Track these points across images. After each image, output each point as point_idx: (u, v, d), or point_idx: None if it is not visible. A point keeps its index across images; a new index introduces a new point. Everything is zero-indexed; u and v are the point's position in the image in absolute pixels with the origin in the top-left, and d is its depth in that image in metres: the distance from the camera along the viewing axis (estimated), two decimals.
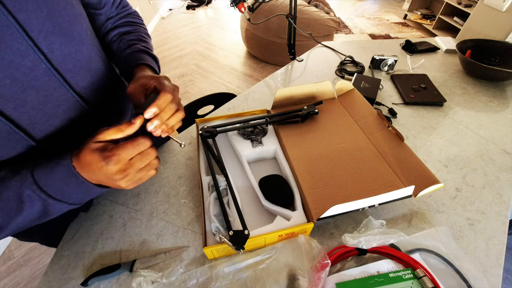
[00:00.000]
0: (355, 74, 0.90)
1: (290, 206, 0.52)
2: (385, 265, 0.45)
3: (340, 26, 3.46)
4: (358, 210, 0.49)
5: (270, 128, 0.66)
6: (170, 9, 4.01)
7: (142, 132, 0.38)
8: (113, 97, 0.52)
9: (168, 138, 0.42)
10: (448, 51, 1.12)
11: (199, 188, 0.55)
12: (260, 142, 0.62)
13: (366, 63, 1.02)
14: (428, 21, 3.41)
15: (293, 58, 1.09)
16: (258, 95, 0.89)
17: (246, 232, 0.44)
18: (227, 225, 0.45)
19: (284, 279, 0.44)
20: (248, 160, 0.60)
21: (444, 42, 1.15)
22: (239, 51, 2.89)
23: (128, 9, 0.57)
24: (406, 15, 3.69)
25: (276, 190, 0.54)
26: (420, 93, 0.85)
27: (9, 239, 1.36)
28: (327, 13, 2.34)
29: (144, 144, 0.36)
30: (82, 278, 0.46)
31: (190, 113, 0.96)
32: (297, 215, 0.48)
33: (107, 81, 0.48)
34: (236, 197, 0.50)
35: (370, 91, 0.82)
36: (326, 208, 0.45)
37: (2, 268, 1.26)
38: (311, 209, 0.48)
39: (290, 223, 0.47)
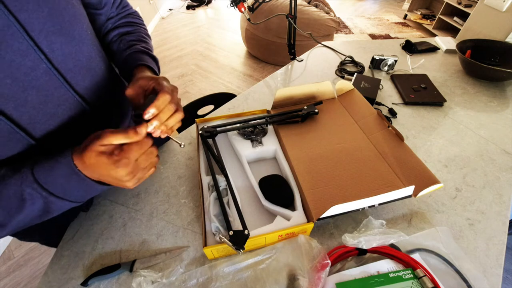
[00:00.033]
0: (355, 74, 0.90)
1: (290, 206, 0.52)
2: (385, 265, 0.45)
3: (340, 26, 3.46)
4: (358, 210, 0.49)
5: (270, 128, 0.66)
6: (170, 9, 4.01)
7: None
8: (113, 97, 0.52)
9: (167, 138, 0.42)
10: (448, 51, 1.12)
11: (199, 188, 0.55)
12: (260, 142, 0.62)
13: (366, 63, 1.02)
14: (428, 21, 3.41)
15: (293, 58, 1.09)
16: (258, 95, 0.89)
17: (246, 232, 0.44)
18: (227, 225, 0.45)
19: (284, 279, 0.44)
20: (248, 160, 0.60)
21: (444, 42, 1.15)
22: (239, 51, 2.89)
23: (128, 9, 0.57)
24: (406, 15, 3.69)
25: (276, 190, 0.54)
26: (420, 93, 0.85)
27: (9, 239, 1.36)
28: (327, 13, 2.35)
29: (147, 143, 0.37)
30: (82, 278, 0.46)
31: (190, 113, 0.96)
32: (297, 215, 0.48)
33: (107, 81, 0.48)
34: (236, 197, 0.50)
35: (370, 91, 0.82)
36: (326, 208, 0.45)
37: (2, 268, 1.26)
38: (311, 209, 0.48)
39: (290, 223, 0.47)
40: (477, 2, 2.29)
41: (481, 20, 2.24)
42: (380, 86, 0.88)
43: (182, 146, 0.43)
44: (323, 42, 1.19)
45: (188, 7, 4.11)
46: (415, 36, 3.26)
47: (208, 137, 0.61)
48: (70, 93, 0.40)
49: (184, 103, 0.90)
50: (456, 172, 0.63)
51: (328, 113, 0.68)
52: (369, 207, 0.49)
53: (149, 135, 0.38)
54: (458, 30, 2.61)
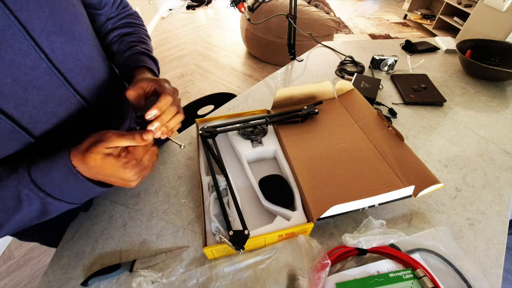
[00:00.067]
0: (355, 74, 0.90)
1: (290, 206, 0.52)
2: (385, 265, 0.45)
3: (340, 26, 3.46)
4: (358, 210, 0.49)
5: (270, 128, 0.66)
6: (170, 9, 4.01)
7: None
8: (113, 96, 0.52)
9: (167, 139, 0.42)
10: (448, 51, 1.12)
11: (199, 188, 0.55)
12: (260, 142, 0.62)
13: (366, 63, 1.02)
14: (428, 21, 3.41)
15: (293, 58, 1.09)
16: (258, 95, 0.89)
17: (246, 232, 0.44)
18: (227, 225, 0.45)
19: (284, 279, 0.44)
20: (248, 160, 0.60)
21: (444, 42, 1.15)
22: (239, 51, 2.90)
23: (128, 10, 0.57)
24: (406, 15, 3.69)
25: (276, 190, 0.54)
26: (420, 93, 0.85)
27: (9, 239, 1.36)
28: (327, 13, 2.35)
29: (150, 143, 0.38)
30: (82, 278, 0.46)
31: (190, 113, 0.96)
32: (297, 215, 0.48)
33: (107, 80, 0.48)
34: (236, 197, 0.50)
35: (370, 91, 0.82)
36: (326, 208, 0.45)
37: (2, 268, 1.26)
38: (311, 209, 0.48)
39: (290, 223, 0.47)
40: (477, 2, 2.29)
41: (481, 20, 2.24)
42: (380, 86, 0.88)
43: (182, 147, 0.43)
44: (323, 42, 1.19)
45: (188, 7, 4.11)
46: (415, 36, 3.26)
47: (208, 137, 0.61)
48: (70, 93, 0.40)
49: (184, 103, 0.90)
50: (456, 172, 0.63)
51: (328, 113, 0.68)
52: (369, 207, 0.49)
53: None
54: (458, 30, 2.61)
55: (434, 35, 2.66)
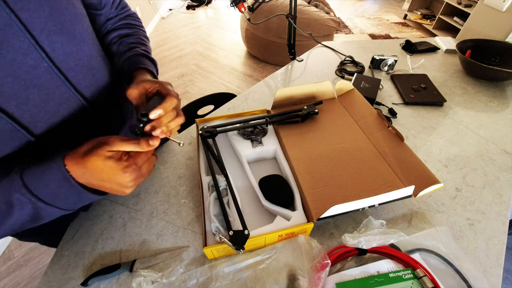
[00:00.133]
0: (355, 74, 0.90)
1: (290, 206, 0.52)
2: (385, 265, 0.45)
3: (340, 26, 3.46)
4: (358, 210, 0.49)
5: (270, 128, 0.66)
6: (170, 9, 4.01)
7: (142, 133, 0.38)
8: (113, 96, 0.52)
9: (167, 139, 0.43)
10: (448, 51, 1.12)
11: (199, 188, 0.55)
12: (260, 142, 0.62)
13: (366, 63, 1.02)
14: (428, 21, 3.41)
15: (293, 58, 1.09)
16: (258, 95, 0.89)
17: (246, 232, 0.44)
18: (227, 225, 0.45)
19: (284, 279, 0.44)
20: (248, 160, 0.60)
21: (444, 42, 1.15)
22: (239, 51, 2.90)
23: (127, 11, 0.57)
24: (406, 15, 3.69)
25: (276, 190, 0.54)
26: (420, 93, 0.85)
27: (9, 239, 1.36)
28: (327, 13, 2.35)
29: (151, 150, 0.38)
30: (82, 278, 0.46)
31: (190, 113, 0.96)
32: (297, 215, 0.48)
33: (108, 80, 0.48)
34: (236, 197, 0.50)
35: (370, 91, 0.82)
36: (326, 208, 0.45)
37: (2, 268, 1.26)
38: (311, 209, 0.48)
39: (290, 223, 0.47)
40: (477, 2, 2.29)
41: (481, 20, 2.24)
42: (380, 86, 0.88)
43: (181, 145, 0.43)
44: (323, 42, 1.19)
45: (188, 7, 4.11)
46: (415, 36, 3.26)
47: (208, 137, 0.61)
48: (71, 92, 0.40)
49: (184, 103, 0.90)
50: (456, 172, 0.63)
51: (328, 113, 0.68)
52: (369, 207, 0.49)
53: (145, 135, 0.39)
54: (458, 30, 2.61)
55: (434, 35, 2.66)
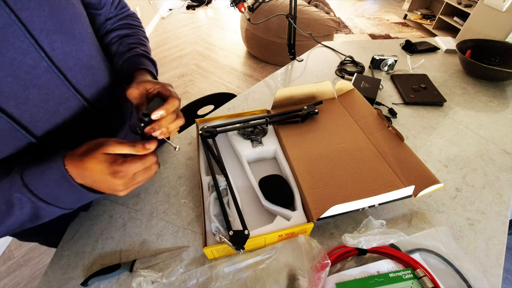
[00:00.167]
0: (355, 74, 0.90)
1: (290, 206, 0.52)
2: (385, 265, 0.45)
3: (340, 26, 3.46)
4: (358, 210, 0.49)
5: (270, 128, 0.66)
6: (170, 9, 4.01)
7: (142, 132, 0.38)
8: (113, 96, 0.52)
9: (165, 141, 0.43)
10: (448, 51, 1.12)
11: (199, 188, 0.55)
12: (260, 142, 0.62)
13: (366, 63, 1.02)
14: (428, 21, 3.41)
15: (293, 58, 1.09)
16: (258, 95, 0.89)
17: (246, 232, 0.44)
18: (227, 225, 0.45)
19: (284, 279, 0.44)
20: (248, 160, 0.60)
21: (444, 42, 1.15)
22: (239, 51, 2.90)
23: (126, 11, 0.57)
24: (406, 15, 3.69)
25: (276, 190, 0.54)
26: (420, 93, 0.85)
27: (9, 239, 1.36)
28: (327, 13, 2.35)
29: (150, 160, 0.37)
30: (82, 278, 0.46)
31: (190, 113, 0.96)
32: (297, 215, 0.48)
33: (107, 80, 0.48)
34: (236, 197, 0.50)
35: (370, 91, 0.82)
36: (326, 208, 0.45)
37: (2, 268, 1.26)
38: (311, 209, 0.48)
39: (290, 223, 0.47)
40: (477, 2, 2.29)
41: (481, 20, 2.24)
42: (380, 86, 0.88)
43: (177, 149, 0.43)
44: (323, 42, 1.19)
45: (188, 7, 4.11)
46: (415, 36, 3.26)
47: (208, 137, 0.61)
48: (70, 92, 0.40)
49: (184, 103, 0.90)
50: (456, 172, 0.63)
51: (328, 113, 0.68)
52: (369, 207, 0.49)
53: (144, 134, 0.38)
54: (458, 30, 2.61)
55: (434, 35, 2.66)
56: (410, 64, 1.03)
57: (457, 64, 1.03)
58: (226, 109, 0.84)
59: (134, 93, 0.41)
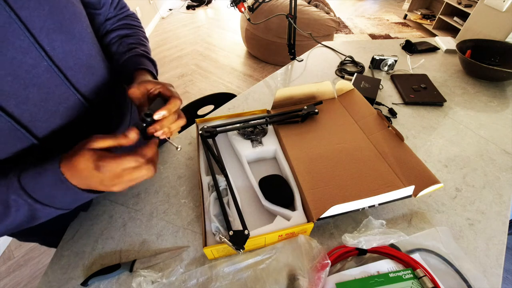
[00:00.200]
0: (355, 74, 0.90)
1: (290, 206, 0.52)
2: (385, 265, 0.45)
3: (340, 26, 3.46)
4: (358, 210, 0.49)
5: (270, 128, 0.66)
6: (170, 9, 4.01)
7: (144, 132, 0.38)
8: (113, 95, 0.52)
9: (165, 140, 0.43)
10: (448, 51, 1.12)
11: (199, 188, 0.55)
12: (260, 142, 0.62)
13: (366, 63, 1.02)
14: (428, 21, 3.41)
15: (293, 58, 1.09)
16: (258, 95, 0.89)
17: (246, 232, 0.44)
18: (227, 225, 0.45)
19: (284, 279, 0.44)
20: (248, 160, 0.60)
21: (444, 42, 1.15)
22: (239, 51, 2.90)
23: (126, 11, 0.57)
24: (406, 15, 3.69)
25: (276, 190, 0.54)
26: (420, 93, 0.85)
27: (9, 239, 1.36)
28: (327, 13, 2.35)
29: (138, 160, 0.35)
30: (82, 278, 0.46)
31: (190, 113, 0.96)
32: (297, 215, 0.48)
33: (107, 79, 0.48)
34: (236, 197, 0.50)
35: (370, 91, 0.82)
36: (326, 208, 0.45)
37: (2, 268, 1.26)
38: (311, 209, 0.48)
39: (290, 223, 0.47)
40: (477, 2, 2.29)
41: (481, 20, 2.24)
42: (380, 86, 0.88)
43: (178, 149, 0.43)
44: (323, 42, 1.19)
45: (188, 7, 4.11)
46: (415, 36, 3.26)
47: (208, 137, 0.61)
48: (71, 91, 0.40)
49: (184, 103, 0.89)
50: (456, 172, 0.63)
51: (328, 113, 0.68)
52: (369, 207, 0.49)
53: (146, 137, 0.38)
54: (458, 30, 2.61)
55: (434, 35, 2.66)
56: (410, 64, 1.03)
57: (457, 64, 1.03)
58: (226, 109, 0.84)
59: (135, 93, 0.41)
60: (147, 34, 3.22)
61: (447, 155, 0.67)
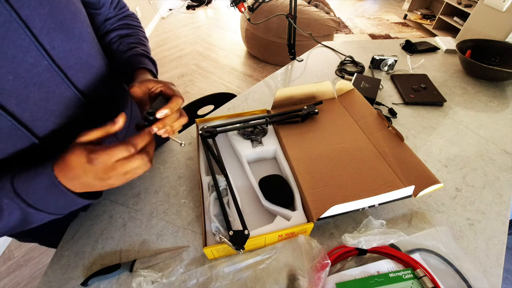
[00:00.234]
0: (355, 74, 0.90)
1: (290, 206, 0.52)
2: (385, 265, 0.45)
3: (340, 26, 3.46)
4: (358, 210, 0.49)
5: (270, 128, 0.66)
6: (170, 9, 4.01)
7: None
8: (113, 94, 0.52)
9: (167, 139, 0.43)
10: (448, 51, 1.12)
11: (199, 188, 0.55)
12: (260, 142, 0.62)
13: (366, 63, 1.02)
14: (428, 21, 3.41)
15: (293, 58, 1.09)
16: (258, 95, 0.89)
17: (246, 232, 0.44)
18: (227, 225, 0.45)
19: (284, 279, 0.44)
20: (248, 160, 0.60)
21: (444, 42, 1.15)
22: (239, 51, 2.90)
23: (126, 11, 0.57)
24: (406, 15, 3.69)
25: (276, 190, 0.54)
26: (420, 93, 0.85)
27: (9, 239, 1.36)
28: (327, 13, 2.35)
29: (128, 150, 0.34)
30: (82, 278, 0.46)
31: (190, 113, 0.96)
32: (297, 215, 0.48)
33: (107, 79, 0.48)
34: (236, 197, 0.50)
35: (370, 91, 0.82)
36: (326, 208, 0.45)
37: (2, 268, 1.26)
38: (311, 209, 0.48)
39: (290, 223, 0.47)
40: (477, 2, 2.29)
41: (481, 20, 2.24)
42: (380, 86, 0.88)
43: (182, 145, 0.44)
44: (323, 42, 1.19)
45: (188, 7, 4.11)
46: (415, 36, 3.26)
47: (208, 137, 0.61)
48: (71, 90, 0.40)
49: (184, 103, 0.90)
50: (456, 172, 0.63)
51: (328, 113, 0.68)
52: (369, 207, 0.49)
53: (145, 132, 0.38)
54: (458, 30, 2.61)
55: (434, 35, 2.66)
56: (410, 64, 1.03)
57: (457, 64, 1.03)
58: (226, 109, 0.84)
59: (137, 92, 0.41)
60: (147, 34, 3.22)
61: (447, 155, 0.67)
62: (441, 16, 3.04)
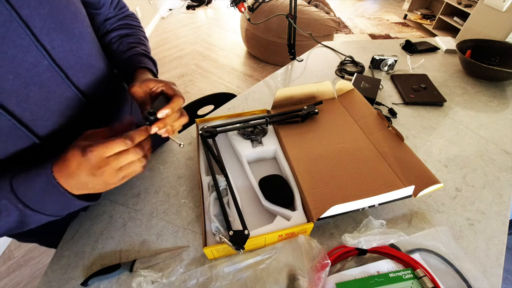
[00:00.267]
0: (355, 74, 0.90)
1: (290, 206, 0.52)
2: (385, 265, 0.45)
3: (340, 26, 3.46)
4: (358, 210, 0.49)
5: (270, 128, 0.66)
6: (170, 9, 4.01)
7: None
8: (113, 94, 0.52)
9: (167, 139, 0.43)
10: (448, 51, 1.12)
11: (199, 188, 0.55)
12: (260, 142, 0.62)
13: (366, 63, 1.02)
14: (428, 21, 3.41)
15: (293, 58, 1.09)
16: (258, 95, 0.89)
17: (246, 232, 0.44)
18: (227, 225, 0.45)
19: (284, 279, 0.44)
20: (248, 160, 0.60)
21: (444, 42, 1.15)
22: (239, 51, 2.90)
23: (126, 11, 0.57)
24: (406, 15, 3.69)
25: (276, 190, 0.54)
26: (420, 93, 0.85)
27: (9, 239, 1.36)
28: (327, 13, 2.35)
29: (125, 143, 0.34)
30: (82, 278, 0.46)
31: (190, 113, 0.96)
32: (297, 215, 0.48)
33: (107, 78, 0.48)
34: (236, 197, 0.50)
35: (370, 91, 0.82)
36: (326, 208, 0.45)
37: (2, 268, 1.26)
38: (311, 209, 0.48)
39: (290, 223, 0.47)
40: (477, 2, 2.29)
41: (481, 20, 2.24)
42: (380, 86, 0.88)
43: (181, 146, 0.44)
44: (323, 42, 1.19)
45: (188, 7, 4.11)
46: (415, 36, 3.26)
47: (208, 137, 0.61)
48: (71, 90, 0.40)
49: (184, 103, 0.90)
50: (456, 172, 0.63)
51: (328, 113, 0.68)
52: (369, 207, 0.49)
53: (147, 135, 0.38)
54: (458, 30, 2.61)
55: (434, 35, 2.66)
56: (410, 64, 1.03)
57: (457, 64, 1.03)
58: (226, 109, 0.83)
59: (138, 91, 0.41)
60: (147, 34, 3.22)
61: (447, 155, 0.67)
62: (441, 16, 3.04)
